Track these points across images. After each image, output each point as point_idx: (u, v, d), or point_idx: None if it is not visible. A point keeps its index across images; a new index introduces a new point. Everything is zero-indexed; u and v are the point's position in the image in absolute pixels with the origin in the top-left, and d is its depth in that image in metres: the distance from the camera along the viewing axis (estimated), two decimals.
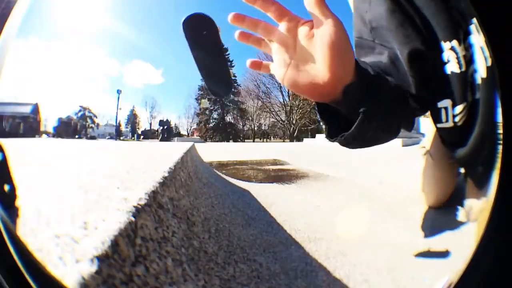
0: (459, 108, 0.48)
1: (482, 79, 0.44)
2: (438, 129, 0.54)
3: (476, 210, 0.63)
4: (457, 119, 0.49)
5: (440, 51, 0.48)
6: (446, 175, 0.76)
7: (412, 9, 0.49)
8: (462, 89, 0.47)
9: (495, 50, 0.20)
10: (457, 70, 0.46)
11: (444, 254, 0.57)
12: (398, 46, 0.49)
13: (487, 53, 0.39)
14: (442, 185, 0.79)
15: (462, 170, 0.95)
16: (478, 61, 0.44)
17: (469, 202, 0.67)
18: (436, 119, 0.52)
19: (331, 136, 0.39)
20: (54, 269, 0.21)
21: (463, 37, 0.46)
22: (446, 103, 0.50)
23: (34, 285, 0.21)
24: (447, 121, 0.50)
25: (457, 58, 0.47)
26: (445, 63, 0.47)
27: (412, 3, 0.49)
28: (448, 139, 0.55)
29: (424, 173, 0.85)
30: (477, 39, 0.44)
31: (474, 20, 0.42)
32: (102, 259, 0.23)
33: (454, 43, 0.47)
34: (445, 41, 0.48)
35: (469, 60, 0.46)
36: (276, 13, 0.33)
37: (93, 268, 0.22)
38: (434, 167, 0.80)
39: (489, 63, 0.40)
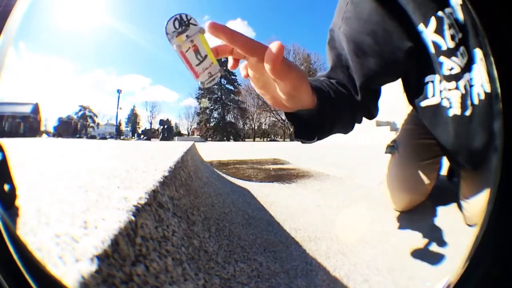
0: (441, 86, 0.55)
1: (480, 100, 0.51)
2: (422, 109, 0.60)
3: (474, 210, 0.63)
4: (442, 94, 0.55)
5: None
6: (421, 175, 0.73)
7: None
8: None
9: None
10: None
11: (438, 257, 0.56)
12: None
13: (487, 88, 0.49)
14: (416, 186, 0.75)
15: (445, 171, 0.88)
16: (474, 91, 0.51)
17: (467, 203, 0.65)
18: (422, 97, 0.58)
19: (297, 136, 0.47)
20: (54, 269, 0.21)
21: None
22: (431, 82, 0.56)
23: (34, 285, 0.21)
24: (433, 95, 0.56)
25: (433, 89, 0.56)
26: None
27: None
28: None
29: (394, 174, 0.81)
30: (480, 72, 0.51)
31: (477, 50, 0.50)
32: (102, 258, 0.23)
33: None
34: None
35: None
36: (245, 47, 0.31)
37: (93, 267, 0.22)
38: (406, 166, 0.77)
39: (482, 97, 0.50)
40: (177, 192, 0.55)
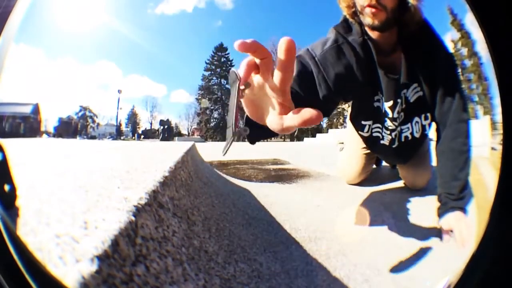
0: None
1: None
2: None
3: (403, 177, 1.15)
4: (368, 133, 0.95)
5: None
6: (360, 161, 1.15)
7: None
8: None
9: (494, 50, 0.20)
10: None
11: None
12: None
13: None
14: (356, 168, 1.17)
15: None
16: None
17: (401, 174, 1.16)
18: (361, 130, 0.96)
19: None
20: (54, 269, 0.21)
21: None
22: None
23: (34, 285, 0.21)
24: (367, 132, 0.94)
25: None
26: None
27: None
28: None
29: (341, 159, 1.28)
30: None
31: None
32: (102, 258, 0.23)
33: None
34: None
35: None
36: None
37: (93, 267, 0.22)
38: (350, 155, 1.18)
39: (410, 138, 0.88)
40: (177, 193, 0.55)
